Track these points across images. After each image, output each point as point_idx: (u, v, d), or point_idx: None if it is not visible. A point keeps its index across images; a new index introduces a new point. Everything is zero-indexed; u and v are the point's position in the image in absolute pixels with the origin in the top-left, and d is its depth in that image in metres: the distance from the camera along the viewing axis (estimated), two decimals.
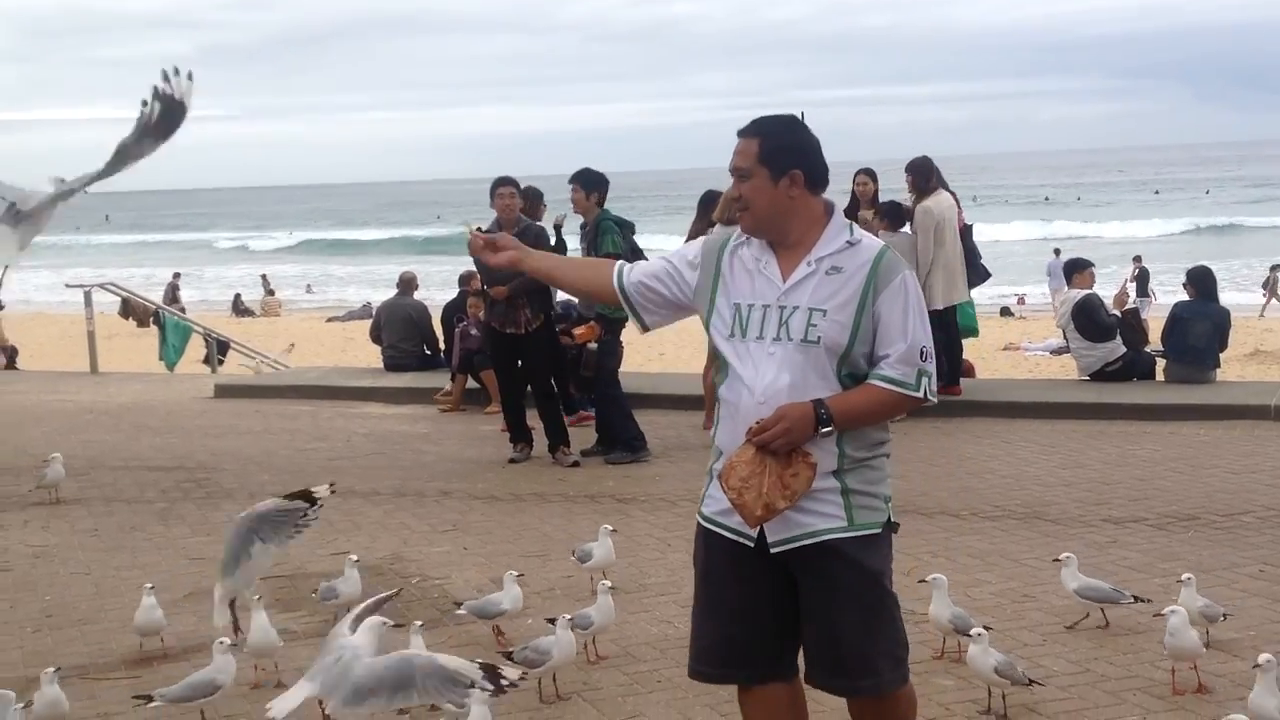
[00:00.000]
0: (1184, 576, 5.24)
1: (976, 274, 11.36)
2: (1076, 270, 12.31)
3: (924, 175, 11.12)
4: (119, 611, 5.79)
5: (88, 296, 16.76)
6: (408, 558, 6.97)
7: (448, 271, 33.09)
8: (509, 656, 4.89)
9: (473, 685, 3.66)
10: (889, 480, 3.48)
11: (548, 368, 9.65)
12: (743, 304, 3.43)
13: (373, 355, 15.41)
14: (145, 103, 5.03)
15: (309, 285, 47.37)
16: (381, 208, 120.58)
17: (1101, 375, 11.66)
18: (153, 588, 5.51)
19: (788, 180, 3.40)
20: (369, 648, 3.89)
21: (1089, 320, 11.66)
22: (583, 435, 9.86)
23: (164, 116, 5.02)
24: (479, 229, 3.90)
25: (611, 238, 9.15)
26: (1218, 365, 11.83)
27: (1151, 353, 12.16)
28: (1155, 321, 14.73)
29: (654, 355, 19.01)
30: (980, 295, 12.13)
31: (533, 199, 10.62)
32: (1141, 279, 28.47)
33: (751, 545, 3.42)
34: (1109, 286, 21.81)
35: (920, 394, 3.37)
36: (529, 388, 9.51)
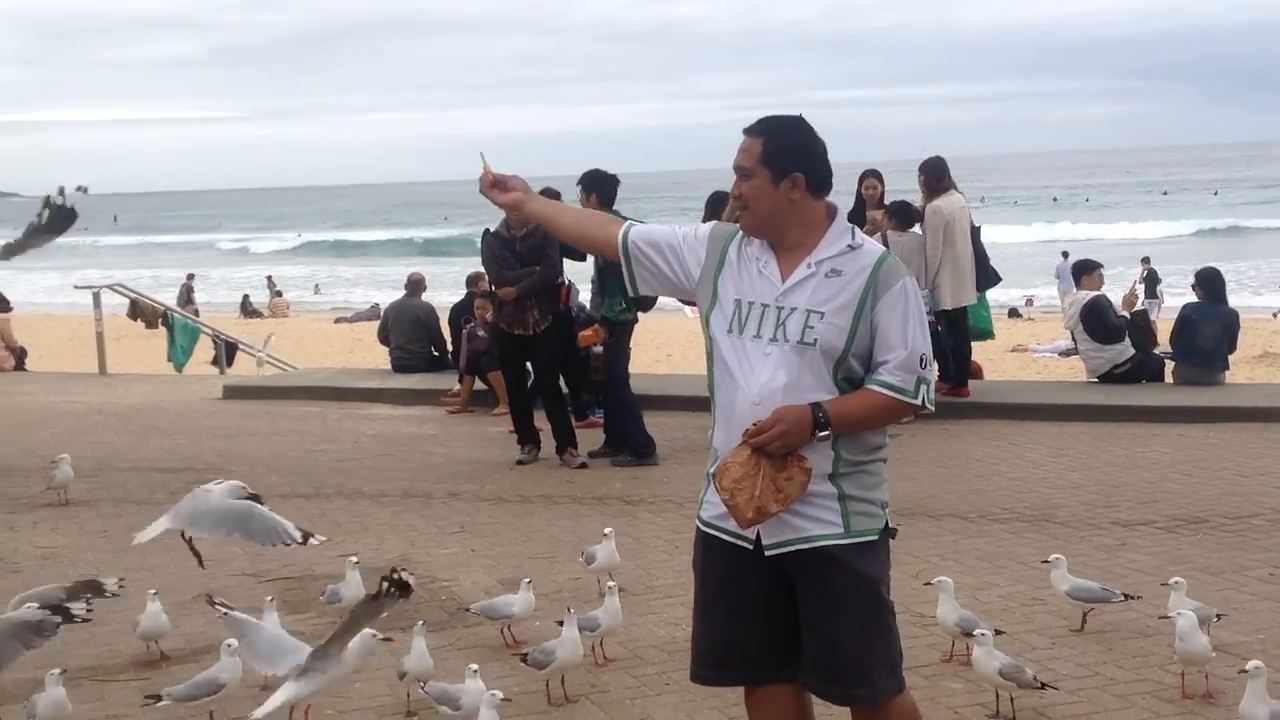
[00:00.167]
0: (1173, 580, 5.21)
1: (986, 277, 11.33)
2: (1085, 272, 12.29)
3: (937, 175, 11.10)
4: (128, 613, 5.79)
5: (96, 298, 16.76)
6: (415, 559, 6.97)
7: (455, 273, 33.13)
8: (523, 659, 4.91)
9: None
10: (886, 485, 3.46)
11: (556, 369, 9.65)
12: (743, 300, 3.41)
13: (380, 356, 15.43)
14: (39, 212, 5.49)
15: (317, 286, 47.47)
16: (389, 208, 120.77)
17: (1110, 377, 11.63)
18: (156, 593, 5.51)
19: (789, 183, 3.37)
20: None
21: (1098, 322, 11.64)
22: (591, 437, 9.86)
23: (54, 220, 5.41)
24: (492, 172, 3.70)
25: None
26: (1227, 367, 11.80)
27: (1160, 354, 12.14)
28: (1164, 323, 14.71)
29: (661, 357, 19.01)
30: (989, 297, 12.10)
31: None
32: (1150, 280, 28.43)
33: (750, 548, 3.40)
34: (1117, 288, 21.78)
35: (918, 401, 3.35)
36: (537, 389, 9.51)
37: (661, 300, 9.77)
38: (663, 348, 20.16)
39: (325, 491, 8.68)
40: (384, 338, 14.22)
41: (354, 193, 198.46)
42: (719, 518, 3.44)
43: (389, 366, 13.97)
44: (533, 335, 9.29)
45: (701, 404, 3.53)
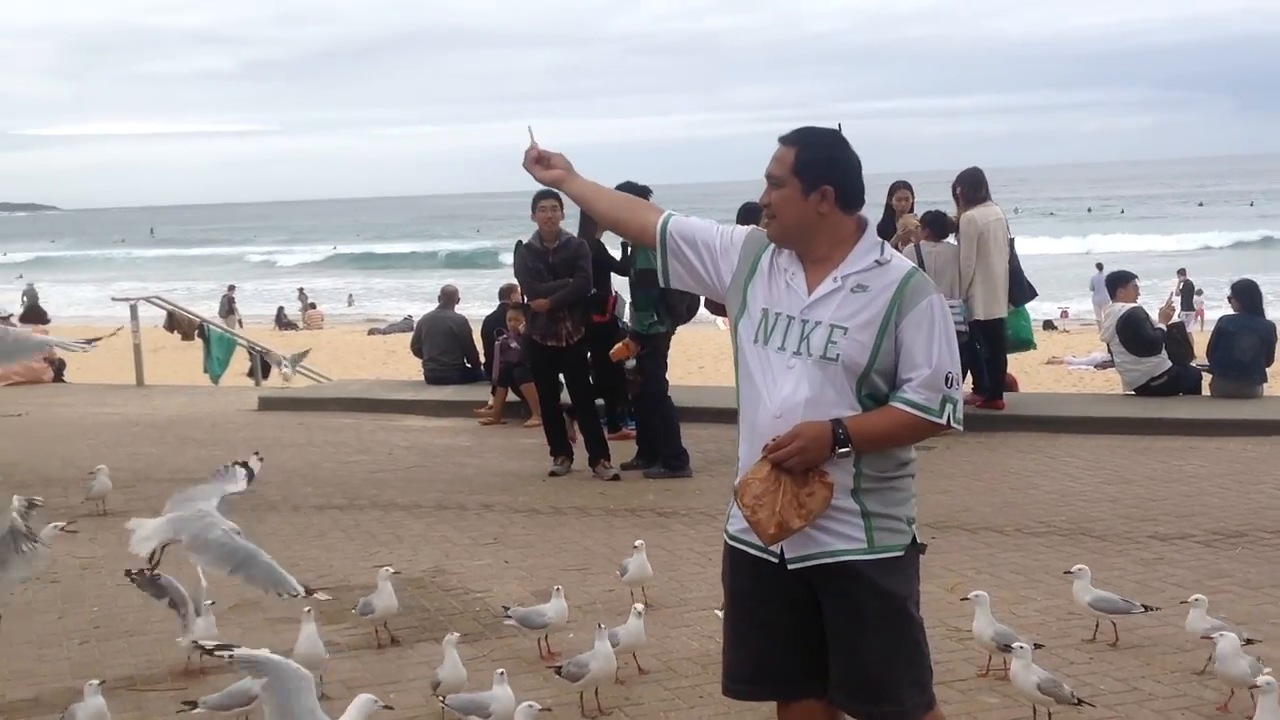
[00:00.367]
0: (1193, 598, 5.16)
1: (1021, 291, 11.26)
2: (1120, 284, 12.20)
3: (974, 185, 11.04)
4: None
5: (133, 310, 16.91)
6: (449, 570, 7.00)
7: (488, 285, 33.26)
8: (557, 671, 4.91)
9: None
10: (913, 501, 3.42)
11: (588, 380, 9.66)
12: (770, 310, 3.39)
13: (414, 368, 15.48)
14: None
15: (350, 297, 47.74)
16: (422, 220, 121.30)
17: (1147, 390, 11.55)
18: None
19: (819, 195, 3.35)
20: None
21: (1134, 334, 11.56)
22: (625, 449, 9.86)
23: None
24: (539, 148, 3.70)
25: (644, 252, 9.15)
26: (1264, 380, 11.69)
27: (1197, 367, 12.04)
28: (1201, 336, 14.58)
29: (694, 369, 18.99)
30: (1026, 307, 12.02)
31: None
32: (1186, 292, 28.22)
33: (776, 562, 3.39)
34: (1152, 300, 21.61)
35: (943, 420, 3.31)
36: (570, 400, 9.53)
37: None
38: (695, 360, 20.14)
39: (360, 503, 8.71)
40: (417, 349, 14.27)
41: (387, 205, 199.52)
42: (744, 531, 3.42)
43: (422, 378, 14.03)
44: (565, 347, 9.31)
45: (734, 416, 3.52)
